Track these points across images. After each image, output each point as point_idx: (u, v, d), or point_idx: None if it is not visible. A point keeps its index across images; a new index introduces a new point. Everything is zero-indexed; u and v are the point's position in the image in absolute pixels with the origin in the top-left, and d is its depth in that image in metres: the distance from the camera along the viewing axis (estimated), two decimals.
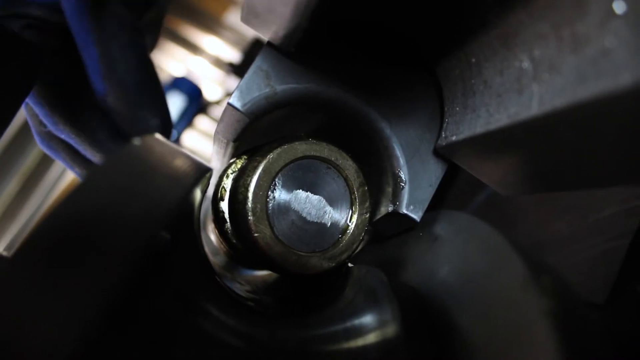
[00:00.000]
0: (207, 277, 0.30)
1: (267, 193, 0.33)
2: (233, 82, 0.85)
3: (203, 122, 2.23)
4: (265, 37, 0.31)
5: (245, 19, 0.31)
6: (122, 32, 0.35)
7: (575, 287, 0.46)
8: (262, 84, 0.31)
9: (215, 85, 2.23)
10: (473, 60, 0.29)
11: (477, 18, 0.27)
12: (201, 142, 2.35)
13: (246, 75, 0.31)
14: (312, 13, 0.25)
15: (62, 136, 0.38)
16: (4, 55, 0.31)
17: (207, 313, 0.26)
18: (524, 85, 0.25)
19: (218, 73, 2.18)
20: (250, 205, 0.32)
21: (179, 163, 0.24)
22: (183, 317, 0.24)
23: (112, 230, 0.18)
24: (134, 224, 0.18)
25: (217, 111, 2.26)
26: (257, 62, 0.31)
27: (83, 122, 0.36)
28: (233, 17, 2.20)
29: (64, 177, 2.60)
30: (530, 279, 0.21)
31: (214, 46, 2.16)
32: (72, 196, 0.18)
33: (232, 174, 0.38)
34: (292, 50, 0.30)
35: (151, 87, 0.36)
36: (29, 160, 2.27)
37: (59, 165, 2.56)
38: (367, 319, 0.29)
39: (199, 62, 2.23)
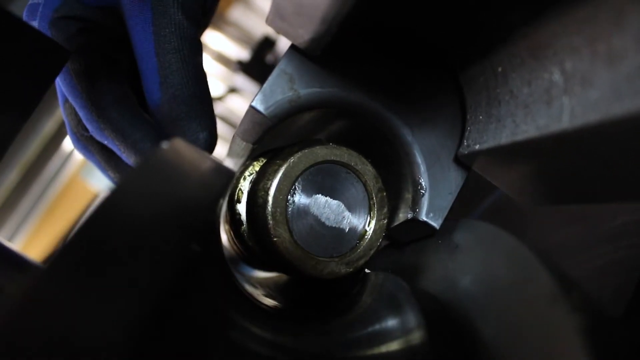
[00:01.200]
0: (228, 282, 0.30)
1: (287, 197, 0.33)
2: (240, 79, 0.85)
3: None
4: (290, 40, 0.30)
5: (271, 22, 0.30)
6: (182, 43, 0.35)
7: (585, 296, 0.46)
8: (285, 87, 0.31)
9: (218, 81, 2.23)
10: (499, 69, 0.29)
11: (506, 28, 0.27)
12: None
13: (270, 78, 0.31)
14: (343, 19, 0.25)
15: (105, 141, 0.38)
16: (25, 54, 0.31)
17: (233, 321, 0.27)
18: (553, 97, 0.25)
19: (221, 69, 2.17)
20: (270, 209, 0.32)
21: (207, 168, 0.24)
22: (211, 325, 0.24)
23: (148, 237, 0.18)
24: (169, 231, 0.18)
25: (220, 107, 2.26)
26: (281, 65, 0.31)
27: (130, 131, 0.36)
28: (237, 13, 2.19)
29: (65, 168, 2.59)
30: (559, 294, 0.21)
31: (217, 42, 2.15)
32: (106, 203, 0.18)
33: (249, 176, 0.38)
34: (318, 54, 0.30)
35: (204, 101, 0.36)
36: (30, 151, 2.26)
37: (60, 156, 2.56)
38: (390, 325, 0.29)
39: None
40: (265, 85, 0.31)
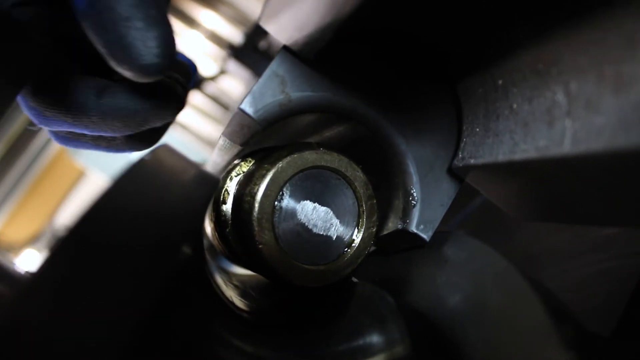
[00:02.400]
0: (208, 290, 0.29)
1: (274, 203, 0.31)
2: (232, 64, 0.83)
3: (197, 98, 2.19)
4: (282, 41, 0.29)
5: (263, 22, 0.29)
6: None
7: (570, 305, 0.46)
8: (276, 90, 0.30)
9: (210, 61, 2.19)
10: (500, 82, 0.28)
11: (510, 41, 0.26)
12: (194, 117, 2.31)
13: (260, 80, 0.30)
14: (340, 25, 0.24)
15: (55, 127, 0.35)
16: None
17: (214, 334, 0.26)
18: (555, 118, 0.24)
19: (214, 48, 2.14)
20: (256, 215, 0.31)
21: (191, 177, 0.23)
22: (194, 339, 0.23)
23: (132, 253, 0.17)
24: (151, 247, 0.17)
25: (212, 87, 2.23)
26: (273, 67, 0.30)
27: (70, 102, 0.33)
28: None
29: (51, 144, 2.55)
30: (552, 327, 0.21)
31: (211, 20, 2.11)
32: (85, 218, 0.17)
33: (236, 176, 0.37)
34: (311, 57, 0.29)
35: (144, 4, 0.28)
36: (16, 125, 2.21)
37: (46, 131, 2.50)
38: (374, 339, 0.28)
39: (194, 36, 2.18)
40: (255, 87, 0.30)
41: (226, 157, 0.45)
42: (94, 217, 0.17)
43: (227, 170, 0.38)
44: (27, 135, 2.39)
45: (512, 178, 0.28)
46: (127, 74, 0.29)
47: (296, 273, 0.32)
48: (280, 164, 0.31)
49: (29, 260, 3.06)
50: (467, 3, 0.26)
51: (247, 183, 0.32)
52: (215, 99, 2.23)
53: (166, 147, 0.24)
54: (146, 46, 0.27)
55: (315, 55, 0.28)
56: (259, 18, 0.29)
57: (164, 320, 0.22)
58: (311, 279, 0.32)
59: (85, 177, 2.85)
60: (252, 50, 0.85)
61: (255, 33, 0.86)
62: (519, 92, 0.26)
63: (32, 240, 2.96)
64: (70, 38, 0.35)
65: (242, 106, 0.29)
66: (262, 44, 0.86)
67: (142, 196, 0.19)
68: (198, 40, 2.19)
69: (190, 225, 0.20)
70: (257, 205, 0.31)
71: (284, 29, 0.27)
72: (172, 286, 0.20)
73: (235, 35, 0.96)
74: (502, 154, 0.27)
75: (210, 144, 2.42)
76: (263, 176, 0.31)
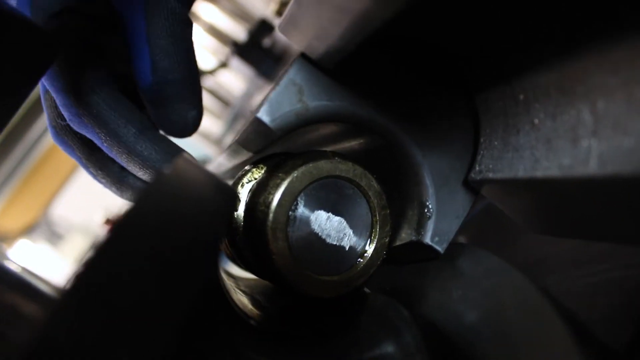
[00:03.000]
0: (222, 299, 0.29)
1: (288, 212, 0.31)
2: (235, 61, 0.82)
3: None
4: (301, 49, 0.29)
5: (283, 29, 0.29)
6: (175, 27, 0.34)
7: (574, 314, 0.46)
8: (293, 99, 0.29)
9: (209, 54, 2.18)
10: (521, 97, 0.28)
11: (534, 56, 0.26)
12: None
13: (277, 88, 0.29)
14: (364, 39, 0.23)
15: (84, 131, 0.36)
16: (15, 44, 0.29)
17: (227, 342, 0.25)
18: (579, 137, 0.23)
19: (212, 42, 2.12)
20: (270, 225, 0.31)
21: (211, 189, 0.23)
22: (209, 348, 0.23)
23: (162, 273, 0.16)
24: (178, 264, 0.17)
25: (210, 81, 2.22)
26: (290, 75, 0.29)
27: (111, 117, 0.34)
28: None
29: (48, 134, 2.53)
30: (575, 347, 0.21)
31: (210, 14, 2.10)
32: (111, 237, 0.16)
33: (247, 182, 0.37)
34: (331, 67, 0.28)
35: (194, 82, 0.36)
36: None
37: (43, 121, 2.49)
38: (390, 350, 0.28)
39: (193, 29, 2.16)
40: (272, 95, 0.29)
41: (234, 161, 0.45)
42: (121, 236, 0.17)
43: (238, 177, 0.37)
44: (23, 125, 2.37)
45: (531, 194, 0.27)
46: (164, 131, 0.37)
47: (309, 283, 0.32)
48: (295, 173, 0.31)
49: (22, 251, 3.04)
50: (494, 18, 0.25)
51: (261, 192, 0.32)
52: (212, 93, 2.22)
53: (185, 159, 0.24)
54: (187, 123, 0.37)
55: (335, 64, 0.28)
56: (279, 26, 0.28)
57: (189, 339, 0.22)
58: (323, 289, 0.32)
59: (80, 171, 2.83)
60: (256, 48, 0.84)
61: (260, 30, 0.85)
62: (541, 107, 0.26)
63: (26, 231, 2.94)
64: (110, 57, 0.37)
65: (259, 115, 0.29)
66: (267, 42, 0.86)
67: (166, 214, 0.18)
68: (197, 33, 2.18)
69: (212, 240, 0.20)
70: (271, 214, 0.31)
71: (304, 38, 0.27)
72: (197, 303, 0.20)
73: (238, 31, 0.96)
74: (522, 170, 0.26)
75: (208, 138, 2.42)
76: (278, 185, 0.31)
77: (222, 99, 2.12)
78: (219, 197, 0.21)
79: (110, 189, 0.40)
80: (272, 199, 0.31)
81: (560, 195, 0.25)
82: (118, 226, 0.16)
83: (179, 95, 0.36)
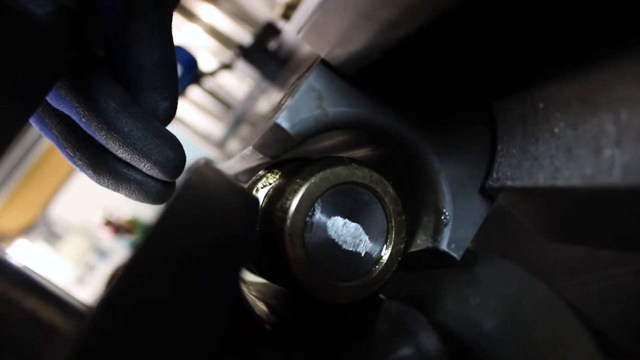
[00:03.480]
0: (243, 308, 0.29)
1: (306, 219, 0.31)
2: (241, 65, 0.83)
3: (195, 93, 2.18)
4: (322, 55, 0.29)
5: (304, 36, 0.29)
6: (153, 8, 0.32)
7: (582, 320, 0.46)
8: (313, 105, 0.29)
9: (209, 56, 2.17)
10: (541, 105, 0.28)
11: (555, 66, 0.26)
12: (192, 112, 2.30)
13: (297, 94, 0.29)
14: (391, 46, 0.23)
15: (61, 105, 0.34)
16: (30, 48, 0.29)
17: (242, 348, 0.25)
18: (603, 147, 0.23)
19: (213, 43, 2.12)
20: (287, 231, 0.31)
21: (233, 198, 0.23)
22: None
23: (194, 284, 0.16)
24: (210, 276, 0.17)
25: (210, 82, 2.21)
26: (310, 81, 0.29)
27: (90, 89, 0.33)
28: None
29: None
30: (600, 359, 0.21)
31: (210, 15, 2.09)
32: (142, 253, 0.16)
33: (262, 187, 0.37)
34: (351, 74, 0.28)
35: (168, 71, 0.35)
36: None
37: None
38: (408, 354, 0.28)
39: (194, 30, 2.16)
40: (291, 101, 0.29)
41: (246, 165, 0.45)
42: (152, 249, 0.16)
43: (252, 181, 0.37)
44: None
45: (550, 202, 0.27)
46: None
47: (325, 289, 0.32)
48: (313, 180, 0.31)
49: (21, 250, 3.03)
50: (517, 30, 0.25)
51: (278, 197, 0.32)
52: (212, 94, 2.22)
53: (207, 164, 0.24)
54: (157, 114, 0.35)
55: (355, 71, 0.28)
56: (299, 31, 0.28)
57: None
58: (339, 295, 0.32)
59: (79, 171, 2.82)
60: (261, 51, 0.84)
61: (265, 33, 0.85)
62: (562, 116, 0.26)
63: (25, 230, 2.93)
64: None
65: (278, 121, 0.29)
66: (272, 45, 0.86)
67: (194, 225, 0.18)
68: (197, 35, 2.18)
69: (240, 254, 0.20)
70: (289, 220, 0.31)
71: (326, 44, 0.27)
72: (231, 311, 0.20)
73: (243, 34, 0.96)
74: (542, 179, 0.26)
75: (207, 139, 2.41)
76: (295, 191, 0.31)
77: (223, 101, 2.11)
78: (244, 208, 0.21)
79: (86, 172, 0.38)
80: (290, 204, 0.31)
81: (580, 205, 0.25)
82: (148, 241, 0.16)
83: (151, 83, 0.34)
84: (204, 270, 0.17)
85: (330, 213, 0.32)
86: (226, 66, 2.07)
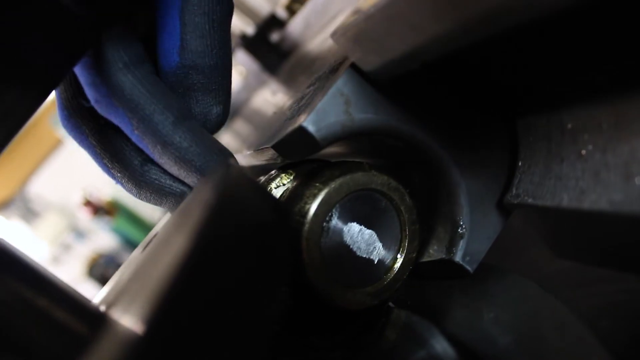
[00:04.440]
0: None
1: (323, 223, 0.31)
2: (242, 55, 0.81)
3: None
4: (355, 61, 0.28)
5: (338, 39, 0.28)
6: (214, 6, 0.31)
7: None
8: (340, 110, 0.29)
9: None
10: (569, 126, 0.28)
11: (588, 87, 0.26)
12: None
13: (324, 98, 0.29)
14: (434, 59, 0.23)
15: (111, 116, 0.32)
16: (53, 26, 0.28)
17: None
18: (633, 174, 0.24)
19: None
20: (305, 235, 0.30)
21: (265, 208, 0.22)
22: None
23: (240, 299, 0.16)
24: (254, 293, 0.17)
25: None
26: (339, 85, 0.29)
27: (146, 100, 0.31)
28: None
29: None
30: None
31: None
32: (183, 272, 0.15)
33: (276, 188, 0.36)
34: (383, 82, 0.28)
35: (224, 73, 0.33)
36: None
37: None
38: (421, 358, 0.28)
39: None
40: (319, 105, 0.29)
41: (254, 161, 0.44)
42: (192, 267, 0.16)
43: (266, 180, 0.37)
44: None
45: (572, 224, 0.28)
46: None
47: (338, 294, 0.31)
48: (333, 185, 0.31)
49: None
50: (553, 55, 0.25)
51: (296, 201, 0.32)
52: None
53: (237, 169, 0.23)
54: (209, 119, 0.34)
55: (387, 80, 0.28)
56: (333, 34, 0.28)
57: None
58: (351, 301, 0.32)
59: (63, 146, 2.78)
60: (263, 42, 0.83)
61: (268, 25, 0.84)
62: (590, 139, 0.26)
63: (1, 207, 2.87)
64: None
65: (304, 124, 0.28)
66: (274, 37, 0.85)
67: (230, 237, 0.18)
68: None
69: (283, 267, 0.19)
70: (307, 224, 0.30)
71: (361, 49, 0.27)
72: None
73: (246, 24, 0.95)
74: (567, 200, 0.27)
75: None
76: (315, 195, 0.31)
77: None
78: (279, 221, 0.21)
79: (125, 185, 0.36)
80: (309, 209, 0.31)
81: (604, 229, 0.26)
82: (189, 260, 0.16)
83: (206, 85, 0.32)
84: (245, 287, 0.17)
85: (347, 219, 0.32)
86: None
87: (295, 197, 0.32)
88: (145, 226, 2.97)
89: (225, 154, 0.32)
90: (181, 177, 0.33)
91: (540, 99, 0.29)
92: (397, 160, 0.35)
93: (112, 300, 0.26)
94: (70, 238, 3.32)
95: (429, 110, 0.31)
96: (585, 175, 0.26)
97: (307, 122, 0.29)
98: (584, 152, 0.27)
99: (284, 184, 0.36)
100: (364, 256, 0.32)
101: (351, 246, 0.32)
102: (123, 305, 0.20)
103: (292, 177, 0.36)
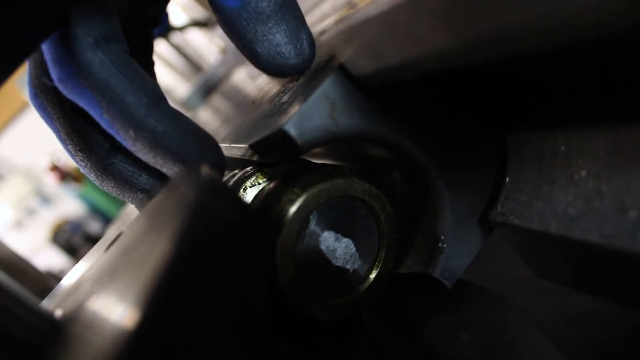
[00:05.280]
0: None
1: (299, 230, 0.29)
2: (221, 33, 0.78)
3: (161, 47, 2.09)
4: (345, 63, 0.26)
5: (329, 39, 0.26)
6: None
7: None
8: (325, 113, 0.27)
9: (180, 11, 2.08)
10: (562, 148, 0.27)
11: (587, 114, 0.25)
12: (157, 66, 2.20)
13: (309, 101, 0.27)
14: (432, 71, 0.21)
15: (77, 97, 0.28)
16: None
17: None
18: (628, 208, 0.23)
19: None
20: (280, 241, 0.29)
21: (239, 220, 0.21)
22: None
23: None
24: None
25: (177, 37, 2.12)
26: (324, 87, 0.27)
27: (119, 83, 0.27)
28: None
29: None
30: None
31: None
32: (168, 292, 0.14)
33: (250, 187, 0.34)
34: (373, 87, 0.26)
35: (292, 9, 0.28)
36: None
37: None
38: None
39: None
40: (303, 106, 0.27)
41: (227, 154, 0.42)
42: (183, 275, 0.14)
43: (240, 179, 0.35)
44: None
45: (558, 250, 0.27)
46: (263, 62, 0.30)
47: (309, 303, 0.30)
48: (312, 191, 0.29)
49: None
50: (555, 75, 0.24)
51: (273, 205, 0.30)
52: (178, 49, 2.14)
53: (210, 177, 0.21)
54: (301, 48, 0.28)
55: (375, 85, 0.26)
56: (321, 32, 0.26)
57: None
58: (324, 311, 0.31)
59: (30, 108, 2.67)
60: None
61: None
62: (584, 164, 0.25)
63: None
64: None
65: (286, 127, 0.27)
66: None
67: (214, 256, 0.16)
68: None
69: (264, 279, 0.18)
70: (284, 231, 0.29)
71: (353, 53, 0.25)
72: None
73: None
74: (555, 226, 0.26)
75: (168, 94, 2.33)
76: (292, 201, 0.29)
77: (192, 60, 2.03)
78: (257, 230, 0.19)
79: (88, 174, 0.33)
80: (285, 214, 0.29)
81: (591, 259, 0.25)
82: (170, 280, 0.14)
83: (278, 21, 0.28)
84: (231, 303, 0.15)
85: (324, 226, 0.30)
86: (199, 24, 1.98)
87: (272, 200, 0.30)
88: (113, 196, 2.91)
89: (207, 138, 0.29)
90: (157, 166, 0.30)
91: (535, 116, 0.28)
92: (381, 168, 0.34)
93: (77, 304, 0.23)
94: (35, 203, 3.22)
95: (417, 119, 0.30)
96: (577, 202, 0.25)
97: (289, 125, 0.27)
98: (576, 177, 0.26)
99: (259, 183, 0.34)
100: (340, 265, 0.31)
101: (327, 254, 0.31)
102: (97, 308, 0.18)
103: (268, 177, 0.34)
